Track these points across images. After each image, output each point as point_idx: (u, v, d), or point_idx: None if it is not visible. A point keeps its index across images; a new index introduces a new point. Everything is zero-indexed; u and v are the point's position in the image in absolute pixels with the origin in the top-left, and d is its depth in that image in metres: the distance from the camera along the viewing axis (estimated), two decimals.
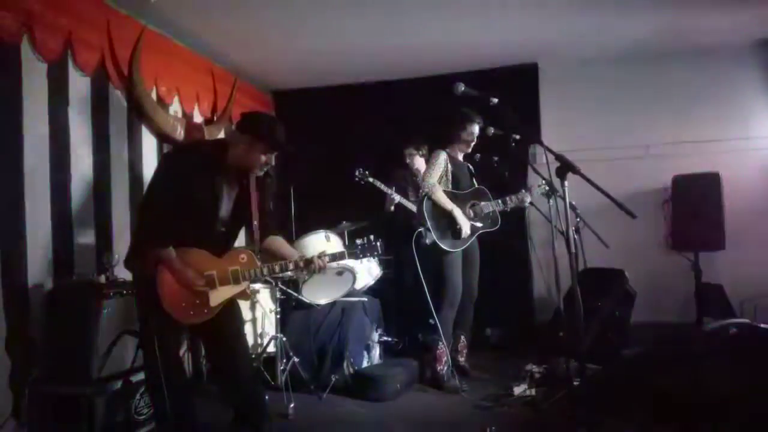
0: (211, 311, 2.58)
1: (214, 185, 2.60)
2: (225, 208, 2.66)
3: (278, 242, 2.84)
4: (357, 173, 4.54)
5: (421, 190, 3.90)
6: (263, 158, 2.63)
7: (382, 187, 4.58)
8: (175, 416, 2.59)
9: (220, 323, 2.69)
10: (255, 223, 2.69)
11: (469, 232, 3.86)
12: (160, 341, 2.54)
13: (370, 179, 4.54)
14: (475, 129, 3.97)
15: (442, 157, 3.95)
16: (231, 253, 2.66)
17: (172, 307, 2.51)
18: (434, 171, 3.90)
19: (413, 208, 4.50)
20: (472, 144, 4.04)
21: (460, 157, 4.11)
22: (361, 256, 2.77)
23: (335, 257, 2.72)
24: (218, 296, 2.59)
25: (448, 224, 3.85)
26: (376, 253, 2.75)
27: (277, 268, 2.66)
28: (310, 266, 2.67)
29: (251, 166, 2.63)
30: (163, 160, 2.79)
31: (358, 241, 2.76)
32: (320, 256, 2.68)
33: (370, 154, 5.35)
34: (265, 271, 2.64)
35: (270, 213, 2.93)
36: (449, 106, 3.94)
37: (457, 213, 3.82)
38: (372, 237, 2.77)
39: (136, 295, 2.69)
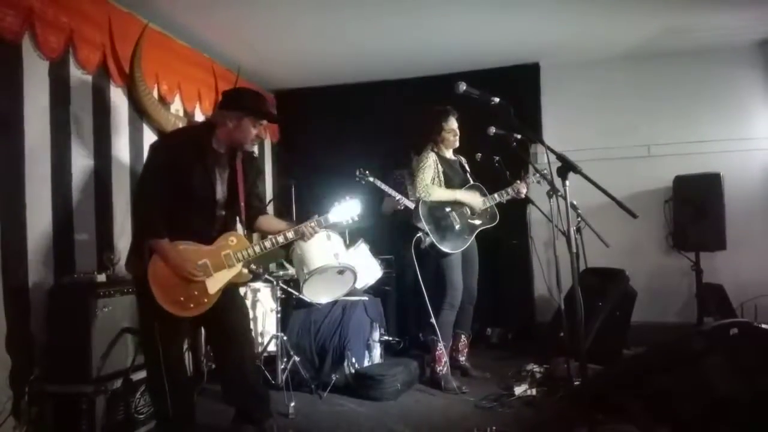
0: (211, 299, 2.59)
1: (207, 168, 2.59)
2: (221, 191, 2.66)
3: (268, 220, 2.89)
4: (357, 173, 4.51)
5: (416, 194, 3.87)
6: (254, 131, 2.65)
7: (383, 186, 4.56)
8: (175, 416, 2.59)
9: (225, 317, 2.70)
10: (241, 204, 2.71)
11: (482, 206, 3.90)
12: (162, 341, 2.53)
13: (371, 179, 4.52)
14: (453, 123, 3.95)
15: (432, 158, 3.92)
16: (220, 238, 2.65)
17: (169, 303, 2.49)
18: (426, 173, 3.86)
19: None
20: (457, 138, 4.01)
21: (449, 154, 4.08)
22: (344, 215, 2.81)
23: (320, 223, 2.76)
24: (215, 283, 2.59)
25: (446, 226, 3.84)
26: (356, 213, 2.81)
27: (267, 244, 2.69)
28: (302, 236, 2.72)
29: (243, 141, 2.65)
30: (152, 150, 2.70)
31: (336, 203, 2.81)
32: (307, 225, 2.73)
33: (371, 153, 5.35)
34: (257, 249, 2.66)
35: (258, 193, 2.96)
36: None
37: (463, 196, 3.85)
38: (348, 197, 2.81)
39: (138, 295, 2.68)
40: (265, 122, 2.75)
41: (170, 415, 2.58)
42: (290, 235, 2.71)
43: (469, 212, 3.93)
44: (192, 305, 2.54)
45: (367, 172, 4.51)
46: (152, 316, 2.52)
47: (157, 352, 2.53)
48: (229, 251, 2.62)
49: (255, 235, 4.33)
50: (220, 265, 2.60)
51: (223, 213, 2.68)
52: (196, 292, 2.55)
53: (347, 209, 2.81)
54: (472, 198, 3.90)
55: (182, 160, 2.52)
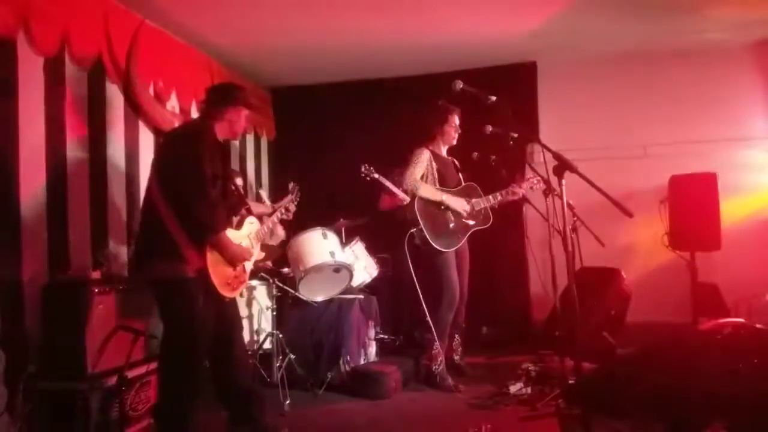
0: (247, 277, 2.84)
1: (217, 160, 2.70)
2: (225, 182, 2.78)
3: (254, 204, 3.31)
4: (363, 169, 4.42)
5: (404, 186, 3.86)
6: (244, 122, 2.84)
7: (388, 184, 4.51)
8: (185, 413, 2.59)
9: (219, 317, 2.71)
10: (239, 189, 3.00)
11: (468, 209, 3.86)
12: (204, 338, 2.58)
13: (376, 175, 4.45)
14: (456, 120, 3.95)
15: (425, 155, 3.91)
16: (245, 223, 2.87)
17: (222, 286, 2.62)
18: (416, 169, 3.86)
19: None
20: (456, 135, 4.00)
21: (444, 152, 4.07)
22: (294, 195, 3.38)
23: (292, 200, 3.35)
24: (250, 262, 2.83)
25: (440, 223, 3.83)
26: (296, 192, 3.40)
27: (270, 224, 3.11)
28: (287, 212, 3.22)
29: (240, 132, 2.83)
30: (189, 145, 2.59)
31: (289, 186, 3.41)
32: (288, 203, 3.26)
33: (368, 151, 5.33)
34: (265, 228, 3.02)
35: None
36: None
37: (449, 199, 3.83)
38: (293, 183, 3.40)
39: (174, 296, 2.60)
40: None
41: (185, 413, 2.58)
42: (278, 214, 3.18)
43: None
44: (235, 287, 2.73)
45: (372, 168, 4.44)
46: (194, 314, 2.52)
47: (197, 355, 2.58)
48: (252, 232, 2.87)
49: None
50: (250, 246, 2.82)
51: (226, 202, 2.80)
52: (237, 273, 2.72)
53: (297, 192, 3.40)
54: (457, 202, 3.86)
55: (206, 153, 2.58)
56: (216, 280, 2.58)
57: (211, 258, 2.56)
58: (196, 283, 2.52)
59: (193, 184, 2.50)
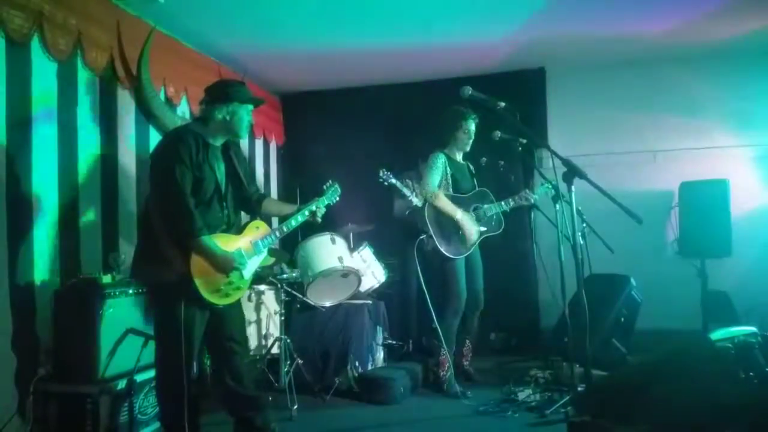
0: (246, 285, 2.73)
1: (210, 164, 2.63)
2: (224, 184, 2.71)
3: (273, 203, 3.08)
4: (381, 174, 4.32)
5: (421, 194, 3.84)
6: (248, 119, 2.73)
7: (404, 190, 4.48)
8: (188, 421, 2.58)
9: (226, 324, 2.72)
10: (248, 192, 2.86)
11: (475, 238, 3.82)
12: (187, 344, 2.53)
13: (393, 180, 4.41)
14: (471, 126, 3.90)
15: (441, 159, 3.89)
16: (247, 227, 2.77)
17: (210, 293, 2.54)
18: (434, 175, 3.83)
19: None
20: (470, 142, 3.97)
21: (459, 157, 4.06)
22: (332, 197, 3.10)
23: (319, 204, 3.00)
24: (249, 269, 2.71)
25: (451, 230, 3.82)
26: (338, 194, 3.11)
27: (285, 229, 2.89)
28: (313, 216, 2.94)
29: (241, 130, 2.72)
30: (164, 151, 2.62)
31: (324, 187, 3.10)
32: (313, 210, 2.94)
33: (376, 156, 5.35)
34: (278, 233, 2.85)
35: (253, 178, 3.08)
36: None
37: (462, 218, 3.79)
38: (331, 181, 3.11)
39: (162, 303, 2.62)
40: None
41: (183, 422, 2.56)
42: (301, 218, 2.91)
43: (475, 218, 3.91)
44: (229, 294, 2.64)
45: (390, 173, 4.36)
46: (178, 319, 2.48)
47: (180, 355, 2.51)
48: (257, 238, 2.76)
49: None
50: (251, 253, 2.72)
51: (227, 204, 2.73)
52: (233, 281, 2.63)
53: (334, 192, 3.10)
54: (469, 226, 3.80)
55: (191, 158, 2.55)
56: (203, 286, 2.51)
57: (199, 264, 2.50)
58: (177, 288, 2.48)
59: (163, 188, 2.52)
